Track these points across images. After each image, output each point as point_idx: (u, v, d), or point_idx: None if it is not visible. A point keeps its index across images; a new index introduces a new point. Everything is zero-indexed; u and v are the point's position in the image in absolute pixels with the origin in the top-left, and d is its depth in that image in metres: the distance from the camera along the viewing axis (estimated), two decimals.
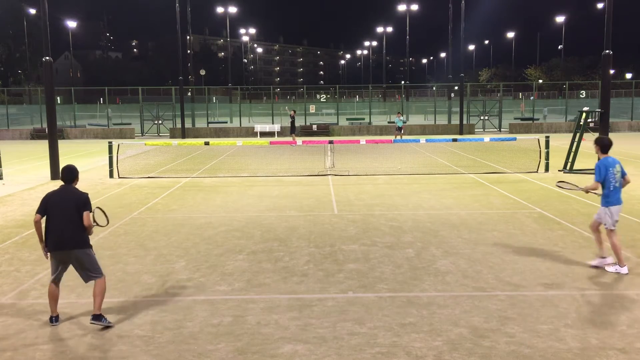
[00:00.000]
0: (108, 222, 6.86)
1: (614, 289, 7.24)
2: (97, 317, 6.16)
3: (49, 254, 6.31)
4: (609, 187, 7.81)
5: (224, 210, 12.49)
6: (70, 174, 6.46)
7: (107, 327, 6.15)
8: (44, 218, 6.32)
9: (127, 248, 9.43)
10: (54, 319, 6.32)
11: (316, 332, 6.00)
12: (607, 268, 7.91)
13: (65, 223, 6.17)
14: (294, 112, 32.61)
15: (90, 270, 6.30)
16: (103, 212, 7.06)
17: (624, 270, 7.78)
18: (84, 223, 6.21)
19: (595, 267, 8.03)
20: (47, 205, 6.27)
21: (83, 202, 6.27)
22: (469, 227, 10.57)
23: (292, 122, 31.91)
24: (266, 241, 9.75)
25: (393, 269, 8.10)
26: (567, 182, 9.09)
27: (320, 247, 9.34)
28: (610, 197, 7.83)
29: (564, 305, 6.68)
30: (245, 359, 5.45)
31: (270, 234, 10.23)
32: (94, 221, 6.40)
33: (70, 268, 6.42)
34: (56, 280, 6.37)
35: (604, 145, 8.03)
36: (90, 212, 6.28)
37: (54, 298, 6.36)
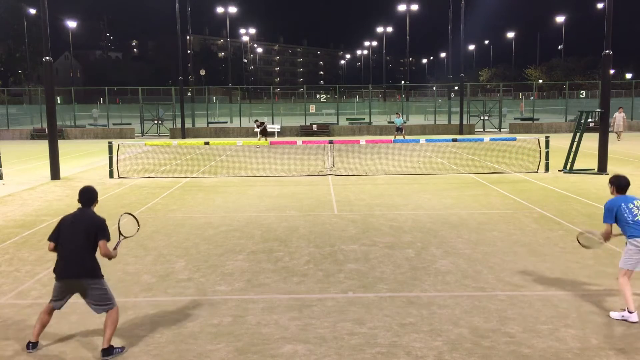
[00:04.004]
0: (139, 229, 6.33)
1: (614, 288, 7.23)
2: (107, 352, 5.45)
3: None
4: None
5: (224, 210, 12.49)
6: (84, 196, 5.75)
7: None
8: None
9: (127, 248, 9.41)
10: (31, 346, 5.60)
11: (316, 332, 6.00)
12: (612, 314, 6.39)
13: (72, 250, 5.48)
14: (258, 120, 31.88)
15: (99, 304, 5.58)
16: (134, 216, 6.41)
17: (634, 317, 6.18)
18: (100, 252, 5.57)
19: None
20: (59, 231, 5.61)
21: (96, 228, 5.55)
22: (469, 227, 10.58)
23: (263, 128, 31.28)
24: (266, 241, 9.75)
25: (393, 269, 8.10)
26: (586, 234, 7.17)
27: (320, 247, 9.34)
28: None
29: (564, 305, 6.68)
30: (245, 359, 5.45)
31: (270, 234, 10.23)
32: (120, 234, 5.91)
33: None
34: (56, 304, 5.64)
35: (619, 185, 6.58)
36: (107, 241, 5.58)
37: (42, 322, 5.64)
